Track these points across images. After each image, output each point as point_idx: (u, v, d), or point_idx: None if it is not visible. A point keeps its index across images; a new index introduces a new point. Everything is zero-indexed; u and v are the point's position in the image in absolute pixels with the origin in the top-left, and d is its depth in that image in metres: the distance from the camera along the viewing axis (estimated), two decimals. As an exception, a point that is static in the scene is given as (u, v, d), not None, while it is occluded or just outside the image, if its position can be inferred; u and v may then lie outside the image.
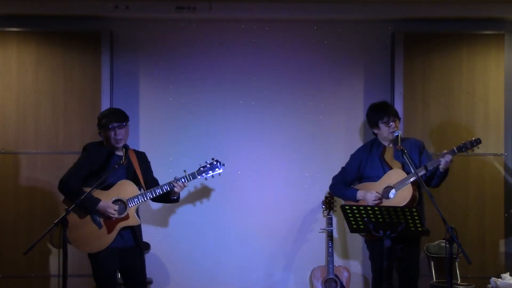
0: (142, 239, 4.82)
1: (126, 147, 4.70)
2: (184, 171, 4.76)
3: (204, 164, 4.88)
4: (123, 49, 5.80)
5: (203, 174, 4.86)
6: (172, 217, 5.72)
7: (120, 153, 4.78)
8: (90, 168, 4.70)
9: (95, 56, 5.70)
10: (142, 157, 4.89)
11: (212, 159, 4.90)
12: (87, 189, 4.52)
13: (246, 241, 5.76)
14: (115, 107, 5.06)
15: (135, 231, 4.70)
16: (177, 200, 4.89)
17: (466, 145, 4.59)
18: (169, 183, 4.71)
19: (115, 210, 4.59)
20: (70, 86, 5.73)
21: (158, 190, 4.68)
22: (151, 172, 4.93)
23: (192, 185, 5.62)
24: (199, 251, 5.75)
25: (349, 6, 5.66)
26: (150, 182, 4.80)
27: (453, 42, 5.79)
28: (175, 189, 4.72)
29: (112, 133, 4.68)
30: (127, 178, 4.73)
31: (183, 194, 5.06)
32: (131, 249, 4.71)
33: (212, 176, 4.90)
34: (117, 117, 4.72)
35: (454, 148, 4.61)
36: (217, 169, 4.90)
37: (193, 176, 4.80)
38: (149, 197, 4.67)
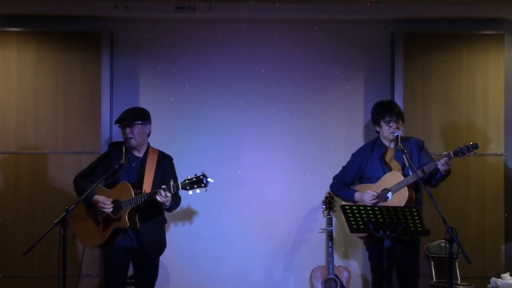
0: (153, 244, 4.74)
1: (126, 148, 4.69)
2: (171, 180, 4.59)
3: (191, 177, 4.59)
4: (123, 49, 5.80)
5: (187, 187, 4.56)
6: (171, 217, 5.72)
7: (138, 154, 4.79)
8: (103, 167, 4.74)
9: (95, 56, 5.70)
10: (164, 160, 4.83)
11: (202, 173, 4.58)
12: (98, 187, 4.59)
13: (246, 241, 5.76)
14: (137, 106, 5.00)
15: (139, 234, 4.67)
16: (169, 211, 4.76)
17: (462, 149, 4.57)
18: (154, 192, 4.57)
19: (107, 204, 4.58)
20: (70, 86, 5.73)
21: (146, 196, 4.58)
22: (173, 175, 4.80)
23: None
24: (199, 251, 5.75)
25: (349, 6, 5.66)
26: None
27: (453, 42, 5.79)
28: (157, 198, 4.52)
29: (123, 132, 4.73)
30: (138, 179, 4.72)
31: (183, 194, 5.02)
32: (138, 251, 4.73)
33: (197, 191, 4.57)
34: (125, 116, 4.74)
35: (451, 152, 4.59)
36: (202, 184, 4.55)
37: (177, 187, 4.57)
38: (140, 202, 4.58)
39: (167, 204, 4.64)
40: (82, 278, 5.53)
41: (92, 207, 4.68)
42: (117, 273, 4.72)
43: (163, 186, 4.55)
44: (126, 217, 4.58)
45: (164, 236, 4.90)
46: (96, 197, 4.62)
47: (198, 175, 4.57)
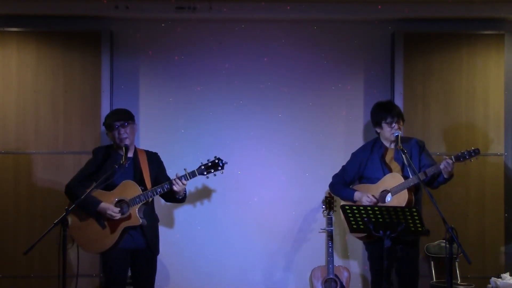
0: (155, 241, 4.79)
1: (126, 147, 4.70)
2: (184, 169, 4.70)
3: (205, 162, 4.74)
4: (123, 49, 5.80)
5: (204, 173, 4.71)
6: (172, 217, 5.72)
7: (129, 154, 4.80)
8: (95, 172, 4.75)
9: (95, 56, 5.70)
10: (153, 158, 4.90)
11: (215, 157, 4.75)
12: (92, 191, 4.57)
13: (246, 241, 5.76)
14: (120, 108, 5.06)
15: (145, 233, 4.69)
16: (182, 200, 4.86)
17: (464, 154, 4.59)
18: (169, 182, 4.67)
19: (116, 212, 4.60)
20: (70, 86, 5.73)
21: (159, 189, 4.66)
22: (164, 171, 4.91)
23: (193, 185, 5.62)
24: (199, 251, 5.75)
25: (349, 6, 5.66)
26: (162, 182, 4.75)
27: (453, 42, 5.79)
28: (174, 188, 4.64)
29: (116, 133, 4.72)
30: (134, 178, 4.73)
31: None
32: (141, 251, 4.73)
33: (214, 174, 4.75)
34: (119, 116, 4.76)
35: (452, 157, 4.60)
36: (219, 167, 4.73)
37: (193, 174, 4.70)
38: (151, 196, 4.66)
39: (182, 193, 4.76)
40: (83, 278, 5.53)
41: (97, 214, 4.65)
42: (118, 276, 4.71)
43: (179, 175, 4.66)
44: (136, 214, 4.60)
45: (158, 235, 4.93)
46: (102, 204, 4.61)
47: (211, 159, 4.73)
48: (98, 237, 4.67)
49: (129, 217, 4.61)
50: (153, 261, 4.81)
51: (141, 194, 4.62)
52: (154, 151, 4.99)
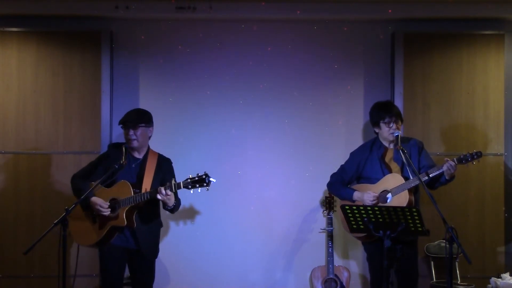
0: (148, 245, 4.74)
1: (126, 149, 4.69)
2: (173, 179, 4.60)
3: (193, 176, 4.58)
4: (123, 49, 5.80)
5: (189, 186, 4.55)
6: (171, 217, 5.71)
7: (138, 155, 4.80)
8: (102, 167, 4.75)
9: (95, 56, 5.70)
10: (163, 163, 4.84)
11: (204, 172, 4.58)
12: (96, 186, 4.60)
13: (246, 241, 5.76)
14: (141, 108, 5.01)
15: (136, 235, 4.68)
16: (171, 211, 4.76)
17: (466, 157, 4.58)
18: (155, 190, 4.57)
19: (104, 208, 4.59)
20: (70, 86, 5.73)
21: (146, 195, 4.58)
22: (170, 177, 4.75)
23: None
24: (199, 251, 5.75)
25: (349, 6, 5.66)
26: None
27: (453, 42, 5.79)
28: (158, 196, 4.53)
29: (125, 133, 4.73)
30: (137, 179, 4.72)
31: (184, 194, 5.01)
32: (135, 252, 4.73)
33: (199, 190, 4.57)
34: (129, 117, 4.75)
35: (454, 159, 4.59)
36: (204, 183, 4.53)
37: (178, 186, 4.56)
38: (139, 201, 4.58)
39: (170, 204, 4.65)
40: (83, 278, 5.53)
41: (89, 207, 4.68)
42: (113, 273, 4.72)
43: (168, 184, 4.56)
44: (124, 215, 4.58)
45: (158, 240, 4.90)
46: (93, 199, 4.62)
47: (200, 174, 4.57)
48: (88, 231, 4.70)
49: (116, 217, 4.61)
50: (148, 263, 4.79)
51: (131, 197, 4.59)
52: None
